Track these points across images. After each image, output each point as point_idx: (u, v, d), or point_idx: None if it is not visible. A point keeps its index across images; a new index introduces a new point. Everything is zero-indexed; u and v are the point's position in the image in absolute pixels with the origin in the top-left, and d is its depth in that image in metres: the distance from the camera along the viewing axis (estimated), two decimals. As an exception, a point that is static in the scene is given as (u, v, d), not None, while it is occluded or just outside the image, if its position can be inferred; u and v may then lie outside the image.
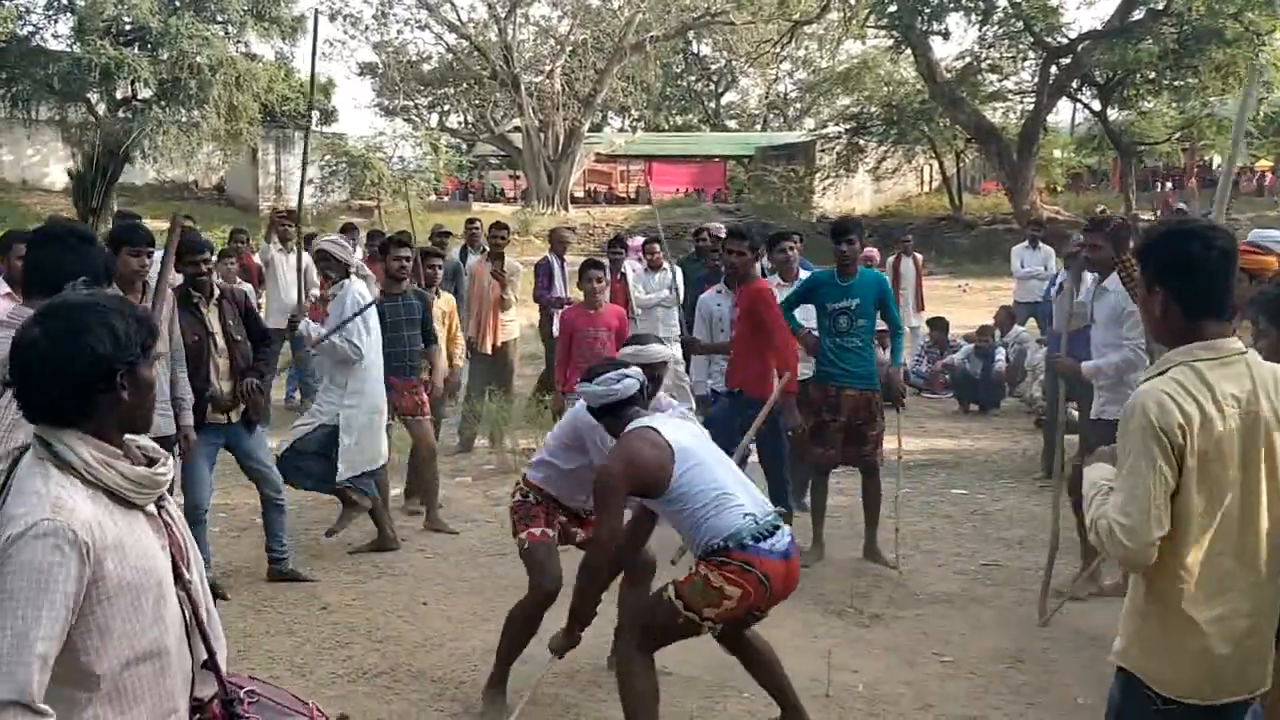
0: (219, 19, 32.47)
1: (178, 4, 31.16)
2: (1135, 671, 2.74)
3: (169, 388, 5.52)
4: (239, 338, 6.09)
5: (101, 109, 31.46)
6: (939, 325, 13.05)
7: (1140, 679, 2.72)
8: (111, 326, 2.21)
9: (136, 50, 30.52)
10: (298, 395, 11.25)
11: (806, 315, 7.01)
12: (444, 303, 8.31)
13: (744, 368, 6.68)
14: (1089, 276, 6.53)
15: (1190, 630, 2.64)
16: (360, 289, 6.83)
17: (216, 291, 6.09)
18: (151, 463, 2.32)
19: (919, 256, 14.15)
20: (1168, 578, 2.65)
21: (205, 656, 2.40)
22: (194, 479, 5.96)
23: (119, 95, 31.67)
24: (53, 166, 35.19)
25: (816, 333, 6.86)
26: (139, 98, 31.76)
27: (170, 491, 2.41)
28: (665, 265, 9.51)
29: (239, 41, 34.20)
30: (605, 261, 8.20)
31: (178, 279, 5.94)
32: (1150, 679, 2.71)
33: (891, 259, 13.84)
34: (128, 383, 2.24)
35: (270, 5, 33.42)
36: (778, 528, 4.01)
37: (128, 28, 30.98)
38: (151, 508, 2.30)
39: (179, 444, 5.61)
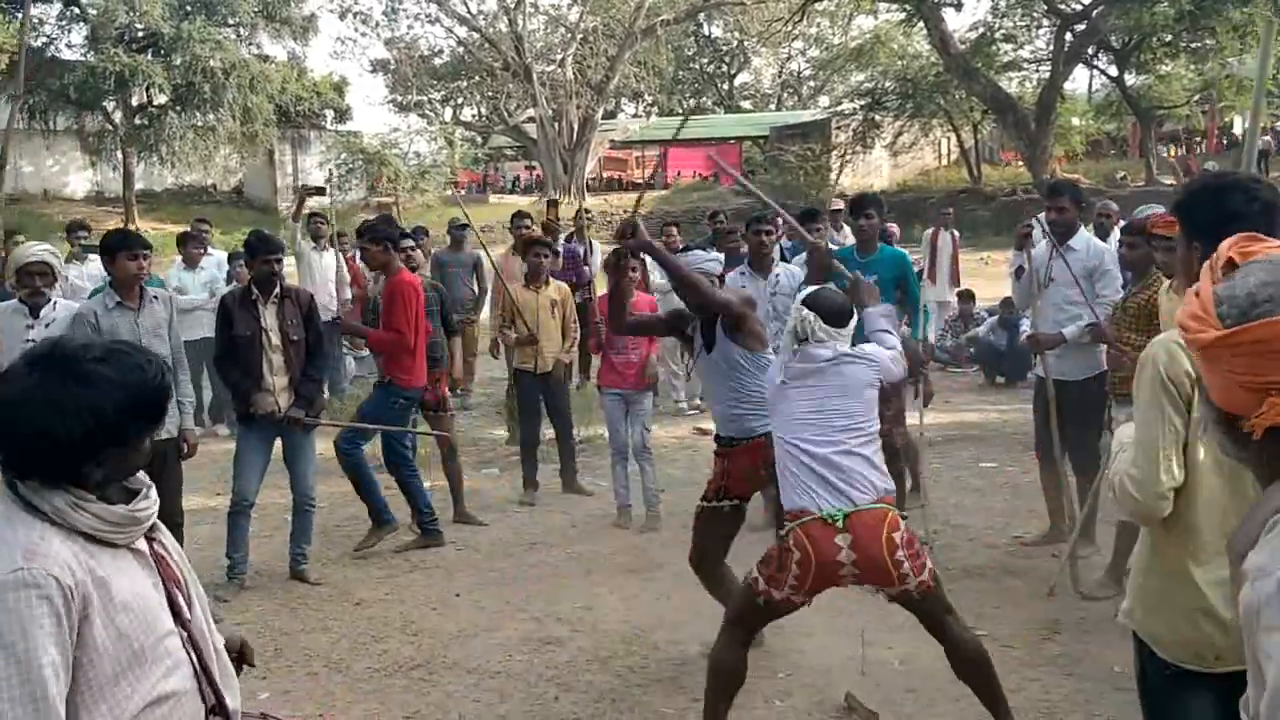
0: (230, 22, 32.62)
1: (189, 9, 31.31)
2: (1139, 632, 2.66)
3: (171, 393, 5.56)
4: (295, 338, 6.16)
5: (118, 116, 31.65)
6: (965, 298, 12.98)
7: (1145, 641, 2.64)
8: (113, 399, 1.97)
9: (150, 56, 30.71)
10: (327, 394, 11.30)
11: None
12: (554, 291, 8.07)
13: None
14: (1042, 244, 6.48)
15: (1190, 591, 2.53)
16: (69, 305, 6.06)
17: (278, 289, 6.16)
18: (131, 496, 2.08)
19: (956, 233, 13.95)
20: (1172, 534, 2.56)
21: (214, 702, 2.14)
22: (244, 468, 6.09)
23: (135, 102, 31.87)
24: (73, 176, 35.44)
25: None
26: (154, 104, 31.94)
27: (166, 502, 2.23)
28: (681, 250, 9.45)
29: (251, 43, 34.39)
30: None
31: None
32: (1151, 640, 2.62)
33: (929, 233, 13.65)
34: (110, 459, 2.00)
35: (280, 6, 33.54)
36: None
37: (140, 34, 31.16)
38: (141, 543, 2.08)
39: (181, 447, 5.73)
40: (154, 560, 2.09)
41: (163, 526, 2.15)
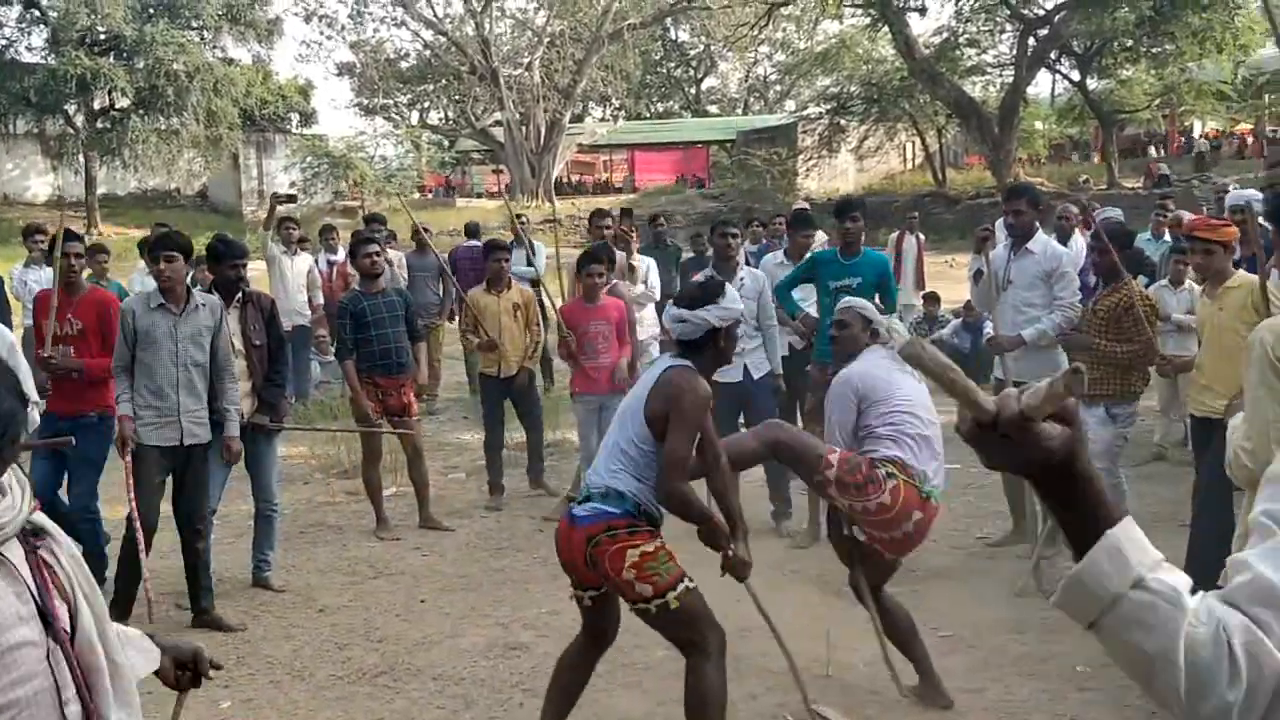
0: (194, 25, 32.36)
1: (152, 11, 31.03)
2: None
3: (205, 399, 5.62)
4: (259, 343, 6.15)
5: (80, 120, 31.33)
6: (931, 300, 13.06)
7: None
8: None
9: (112, 59, 30.41)
10: (293, 399, 11.23)
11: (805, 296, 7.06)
12: (516, 294, 7.91)
13: None
14: (1001, 247, 6.54)
15: None
16: None
17: (241, 295, 6.14)
18: None
19: (921, 236, 14.09)
20: None
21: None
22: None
23: (96, 105, 31.55)
24: (33, 180, 35.04)
25: (816, 314, 6.88)
26: (117, 107, 31.62)
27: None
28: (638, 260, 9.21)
29: (215, 46, 34.12)
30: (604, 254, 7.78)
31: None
32: None
33: (894, 236, 13.82)
34: None
35: (245, 9, 33.31)
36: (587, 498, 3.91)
37: (102, 37, 30.86)
38: (12, 551, 1.91)
39: (223, 451, 5.75)
40: (35, 569, 1.95)
41: (57, 535, 2.02)
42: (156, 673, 2.24)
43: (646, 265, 9.16)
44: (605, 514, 3.75)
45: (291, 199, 11.82)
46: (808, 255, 7.46)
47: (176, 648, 2.30)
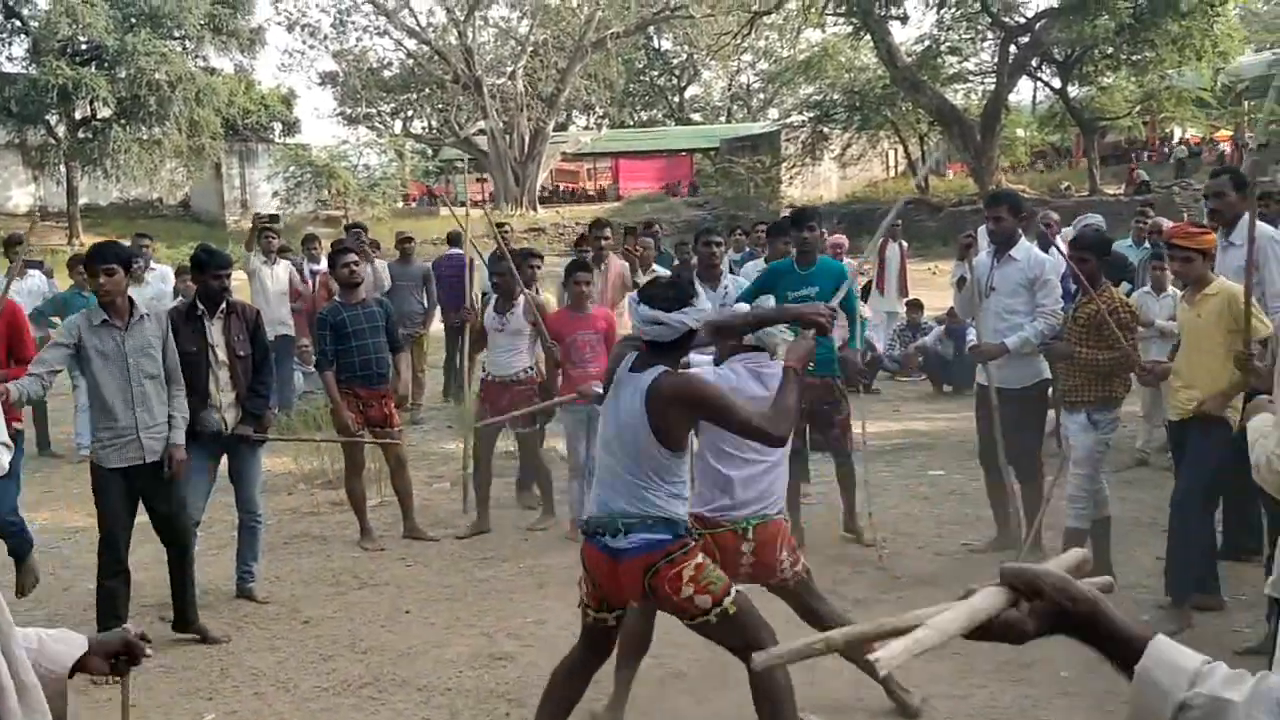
0: (176, 34, 32.27)
1: (134, 21, 30.92)
2: None
3: (165, 412, 5.48)
4: (243, 353, 6.09)
5: (61, 130, 31.20)
6: (914, 307, 13.09)
7: None
8: None
9: (94, 69, 30.28)
10: (276, 409, 11.19)
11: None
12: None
13: None
14: (984, 254, 6.56)
15: None
16: None
17: (225, 305, 6.08)
18: None
19: (905, 244, 14.09)
20: None
21: None
22: (189, 487, 5.85)
23: (78, 115, 31.43)
24: (15, 190, 34.87)
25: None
26: (98, 117, 31.51)
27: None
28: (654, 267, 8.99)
29: (197, 56, 34.02)
30: (591, 263, 7.79)
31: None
32: None
33: (877, 244, 13.76)
34: None
35: (228, 18, 33.23)
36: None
37: (84, 47, 30.76)
38: None
39: (166, 462, 5.49)
40: None
41: None
42: (90, 669, 2.15)
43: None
44: (658, 542, 3.68)
45: (274, 220, 11.82)
46: (769, 266, 7.43)
47: (103, 640, 2.26)
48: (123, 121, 30.81)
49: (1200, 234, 5.42)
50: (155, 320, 5.56)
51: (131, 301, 5.47)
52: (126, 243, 9.73)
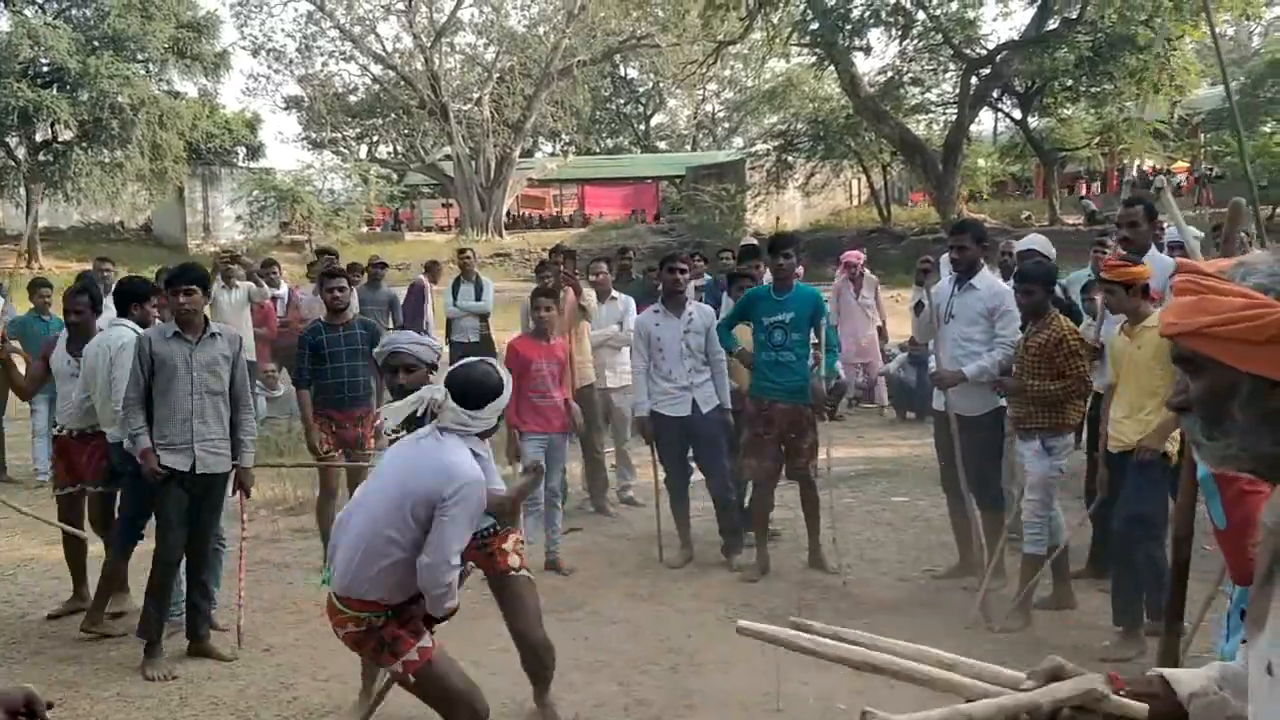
0: (139, 57, 32.06)
1: (96, 44, 30.71)
2: None
3: (227, 428, 5.68)
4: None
5: (21, 152, 30.87)
6: (877, 335, 13.15)
7: None
8: None
9: (55, 92, 30.01)
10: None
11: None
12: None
13: None
14: (945, 281, 6.63)
15: None
16: None
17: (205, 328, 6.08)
18: None
19: (868, 272, 14.11)
20: None
21: None
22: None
23: (39, 138, 31.13)
24: (-26, 213, 34.43)
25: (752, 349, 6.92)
26: (60, 140, 31.22)
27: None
28: (615, 295, 8.95)
29: (161, 79, 33.78)
30: (555, 289, 7.62)
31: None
32: None
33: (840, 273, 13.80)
34: None
35: (192, 42, 33.06)
36: None
37: (45, 69, 30.50)
38: None
39: (234, 482, 5.82)
40: None
41: None
42: None
43: (625, 304, 8.79)
44: None
45: (235, 259, 11.79)
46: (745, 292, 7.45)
47: (6, 694, 2.21)
48: (84, 144, 30.53)
49: (1123, 267, 5.41)
50: (227, 340, 5.74)
51: (206, 319, 5.70)
52: (88, 267, 9.66)
